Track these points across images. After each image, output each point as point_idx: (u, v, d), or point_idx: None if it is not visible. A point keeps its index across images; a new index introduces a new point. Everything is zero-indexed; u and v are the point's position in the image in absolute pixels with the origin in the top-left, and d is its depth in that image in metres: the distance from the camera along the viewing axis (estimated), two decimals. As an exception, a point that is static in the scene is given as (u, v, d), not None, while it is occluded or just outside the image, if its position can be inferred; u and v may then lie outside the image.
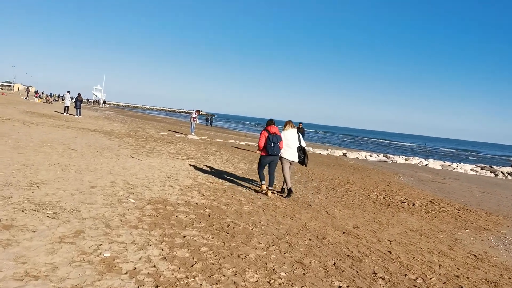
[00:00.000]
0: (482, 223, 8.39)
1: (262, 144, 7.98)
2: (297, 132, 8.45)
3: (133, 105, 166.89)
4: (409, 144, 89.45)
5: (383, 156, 26.25)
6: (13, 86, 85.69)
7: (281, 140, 8.00)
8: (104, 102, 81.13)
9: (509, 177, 23.32)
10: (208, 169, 10.66)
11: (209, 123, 51.15)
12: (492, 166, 27.18)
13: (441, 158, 42.33)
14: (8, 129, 12.74)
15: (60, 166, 8.01)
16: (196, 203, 6.64)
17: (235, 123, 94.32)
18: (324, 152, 25.33)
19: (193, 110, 24.00)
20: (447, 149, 79.40)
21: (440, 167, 24.56)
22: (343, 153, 25.62)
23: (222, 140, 23.54)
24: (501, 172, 24.43)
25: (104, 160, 9.61)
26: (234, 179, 9.63)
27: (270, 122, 8.16)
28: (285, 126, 8.47)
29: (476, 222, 8.47)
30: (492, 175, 24.23)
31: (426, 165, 24.77)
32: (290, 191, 8.19)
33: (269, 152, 7.93)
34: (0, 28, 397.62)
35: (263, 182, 8.22)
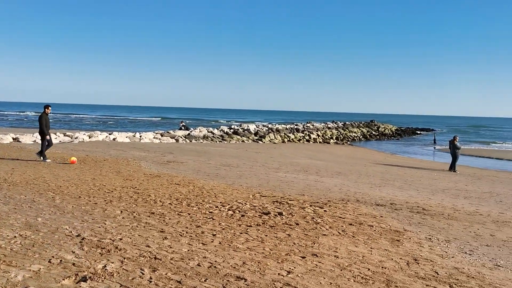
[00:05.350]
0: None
1: None
2: None
3: None
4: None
5: (64, 135, 20.25)
6: None
7: None
8: None
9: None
10: None
11: None
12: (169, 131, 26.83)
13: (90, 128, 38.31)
14: None
15: None
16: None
17: None
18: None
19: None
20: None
21: (128, 140, 21.48)
22: (14, 138, 17.71)
23: None
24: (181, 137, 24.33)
25: None
26: None
27: None
28: None
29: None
30: (172, 140, 23.81)
31: (114, 139, 20.98)
32: None
33: None
34: None
35: None
